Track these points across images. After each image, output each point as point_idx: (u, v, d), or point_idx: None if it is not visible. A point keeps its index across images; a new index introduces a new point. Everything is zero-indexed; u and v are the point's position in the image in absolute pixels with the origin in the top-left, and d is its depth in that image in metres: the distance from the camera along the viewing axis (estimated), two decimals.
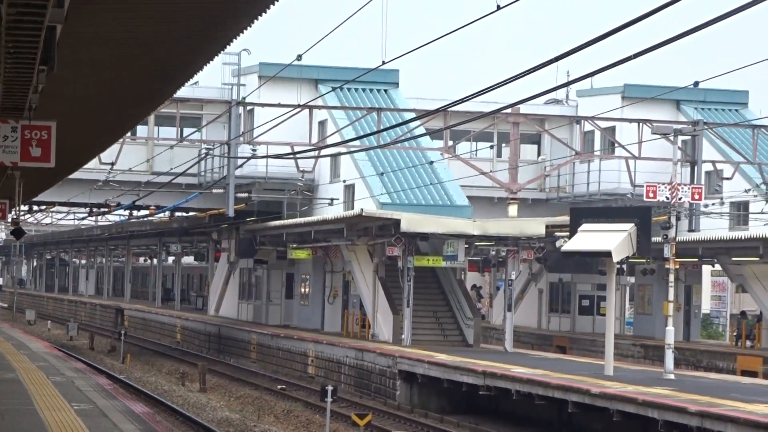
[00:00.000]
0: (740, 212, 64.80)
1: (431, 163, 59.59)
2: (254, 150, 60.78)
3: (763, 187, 60.55)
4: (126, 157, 58.54)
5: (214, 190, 62.90)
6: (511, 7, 19.86)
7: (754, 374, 46.61)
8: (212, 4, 15.48)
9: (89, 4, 13.89)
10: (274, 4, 15.26)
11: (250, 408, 40.64)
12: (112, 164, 56.70)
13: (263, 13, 15.94)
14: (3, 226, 61.20)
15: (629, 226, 39.29)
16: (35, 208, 76.28)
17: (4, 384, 27.18)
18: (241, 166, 61.12)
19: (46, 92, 18.33)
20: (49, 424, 20.57)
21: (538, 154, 69.88)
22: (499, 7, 20.49)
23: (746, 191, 62.83)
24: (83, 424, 20.99)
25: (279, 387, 48.41)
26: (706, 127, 59.48)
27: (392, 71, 61.71)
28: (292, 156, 56.78)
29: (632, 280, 61.92)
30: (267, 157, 59.30)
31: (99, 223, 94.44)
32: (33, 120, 17.07)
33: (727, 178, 63.68)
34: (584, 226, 41.29)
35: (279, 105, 53.56)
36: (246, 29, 17.20)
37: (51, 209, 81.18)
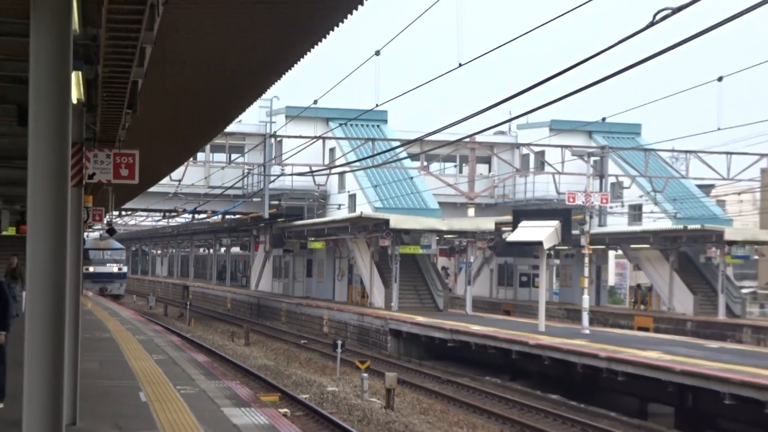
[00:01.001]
0: (636, 212, 65.00)
1: (411, 178, 59.56)
2: (282, 170, 60.90)
3: (653, 194, 60.73)
4: (189, 175, 58.48)
5: (254, 199, 62.97)
6: (470, 64, 20.03)
7: (646, 329, 46.67)
8: (253, 66, 15.47)
9: (163, 65, 13.88)
10: (297, 63, 15.25)
11: (282, 357, 40.57)
12: (180, 181, 56.67)
13: (288, 71, 15.94)
14: (100, 227, 60.79)
15: (555, 223, 39.33)
16: (123, 213, 76.25)
17: (102, 341, 27.18)
18: (273, 181, 61.19)
19: (131, 128, 18.31)
20: (135, 370, 20.57)
21: (489, 171, 69.84)
22: (460, 65, 20.57)
23: (640, 197, 63.07)
24: (160, 369, 20.99)
25: (302, 341, 48.34)
26: (610, 150, 59.60)
27: (382, 111, 61.51)
28: (310, 174, 56.80)
29: (558, 261, 61.91)
30: (292, 174, 59.49)
31: (170, 224, 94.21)
32: (122, 149, 17.04)
33: (626, 188, 63.82)
34: (523, 223, 41.36)
35: (300, 137, 53.60)
36: (275, 83, 17.19)
37: (135, 214, 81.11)
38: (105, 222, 52.84)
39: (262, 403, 17.55)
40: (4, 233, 35.37)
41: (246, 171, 62.67)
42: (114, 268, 71.55)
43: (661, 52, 13.43)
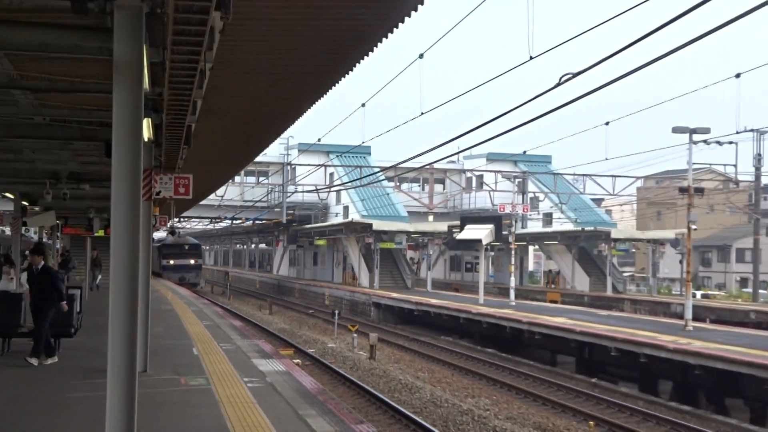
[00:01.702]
0: (548, 218, 65.20)
1: (388, 194, 59.64)
2: (296, 188, 60.88)
3: (560, 205, 61.00)
4: (229, 192, 58.58)
5: (276, 209, 62.80)
6: (430, 114, 20.10)
7: (555, 302, 46.71)
8: (277, 114, 15.49)
9: (210, 114, 13.89)
10: (307, 110, 15.32)
11: (295, 322, 40.46)
12: (222, 196, 56.63)
13: (299, 118, 15.99)
14: (165, 230, 60.58)
15: (491, 226, 39.41)
16: (181, 219, 75.90)
17: (165, 312, 27.01)
18: (289, 196, 61.11)
19: (187, 159, 18.29)
20: (189, 332, 20.52)
21: (443, 189, 69.87)
22: (422, 113, 20.61)
23: (551, 207, 63.32)
24: (208, 332, 20.93)
25: (310, 311, 48.18)
26: (529, 174, 59.81)
27: (367, 146, 61.54)
28: (315, 191, 56.81)
29: (492, 253, 61.95)
30: (303, 192, 59.45)
31: (215, 227, 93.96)
32: (180, 173, 17.01)
33: (541, 201, 64.09)
34: (467, 227, 41.43)
35: (308, 165, 53.70)
36: (291, 126, 17.23)
37: (190, 220, 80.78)
38: (168, 226, 52.67)
39: (280, 356, 17.51)
40: (96, 234, 35.41)
41: (270, 189, 62.66)
42: (191, 261, 63.07)
43: (565, 105, 13.50)
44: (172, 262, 62.00)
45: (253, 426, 9.82)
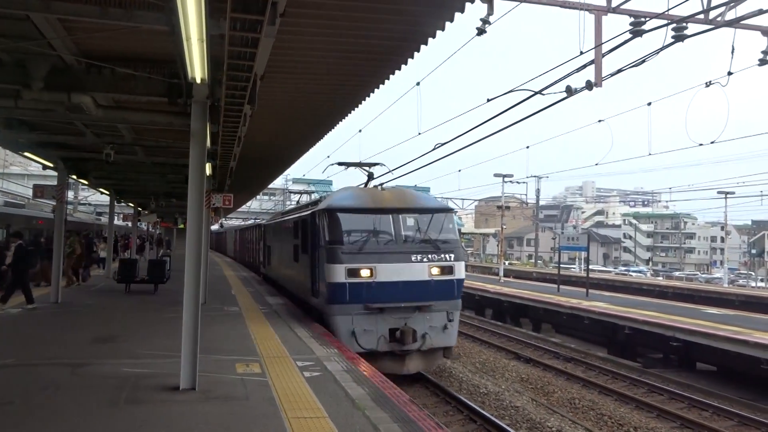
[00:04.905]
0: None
1: None
2: (290, 203, 60.10)
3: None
4: (253, 204, 57.45)
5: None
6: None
7: None
8: (283, 163, 15.26)
9: (244, 161, 13.71)
10: (298, 158, 15.04)
11: None
12: (249, 206, 55.51)
13: (294, 163, 15.75)
14: (217, 225, 58.81)
15: None
16: (226, 219, 73.87)
17: (216, 269, 26.11)
18: (287, 207, 60.37)
19: (231, 185, 17.97)
20: (230, 282, 20.10)
21: None
22: (371, 175, 20.33)
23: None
24: (241, 282, 20.44)
25: None
26: None
27: (330, 180, 61.49)
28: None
29: None
30: (294, 205, 58.58)
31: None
32: (226, 193, 16.74)
33: None
34: None
35: (298, 191, 52.97)
36: (290, 167, 16.97)
37: (230, 219, 78.92)
38: (219, 223, 51.39)
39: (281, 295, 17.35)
40: (178, 227, 34.59)
41: (275, 203, 61.75)
42: None
43: (437, 161, 13.74)
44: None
45: (263, 333, 9.81)
